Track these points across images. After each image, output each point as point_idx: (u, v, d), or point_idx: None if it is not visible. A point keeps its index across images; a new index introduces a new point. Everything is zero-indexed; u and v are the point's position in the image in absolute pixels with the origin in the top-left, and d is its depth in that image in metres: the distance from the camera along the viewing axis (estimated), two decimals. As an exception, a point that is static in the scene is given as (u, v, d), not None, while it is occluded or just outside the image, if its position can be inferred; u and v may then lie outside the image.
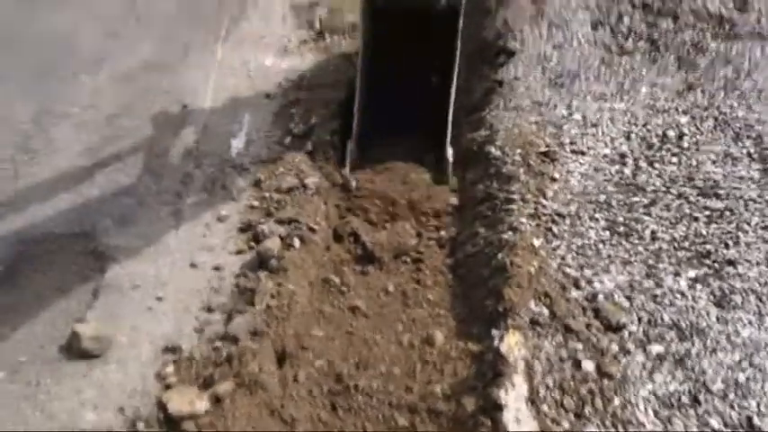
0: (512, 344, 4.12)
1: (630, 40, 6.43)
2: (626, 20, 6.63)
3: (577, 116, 5.73)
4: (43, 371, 4.37)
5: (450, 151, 5.63)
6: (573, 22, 6.66)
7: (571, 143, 5.50)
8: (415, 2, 5.47)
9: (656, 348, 4.14)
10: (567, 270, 4.61)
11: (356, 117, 5.80)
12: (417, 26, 5.60)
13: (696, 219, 4.90)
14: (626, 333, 4.23)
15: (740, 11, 6.63)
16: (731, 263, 4.60)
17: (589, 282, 4.53)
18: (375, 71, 5.85)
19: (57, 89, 6.51)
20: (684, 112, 5.72)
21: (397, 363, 4.39)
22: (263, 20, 7.41)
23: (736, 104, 5.75)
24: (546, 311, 4.35)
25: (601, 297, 4.41)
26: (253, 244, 5.12)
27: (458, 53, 5.58)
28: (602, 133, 5.57)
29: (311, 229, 5.15)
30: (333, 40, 7.14)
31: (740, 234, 4.79)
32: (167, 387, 4.24)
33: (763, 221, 4.88)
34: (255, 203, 5.43)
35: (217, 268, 4.99)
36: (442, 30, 5.54)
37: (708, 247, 4.71)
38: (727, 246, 4.72)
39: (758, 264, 4.60)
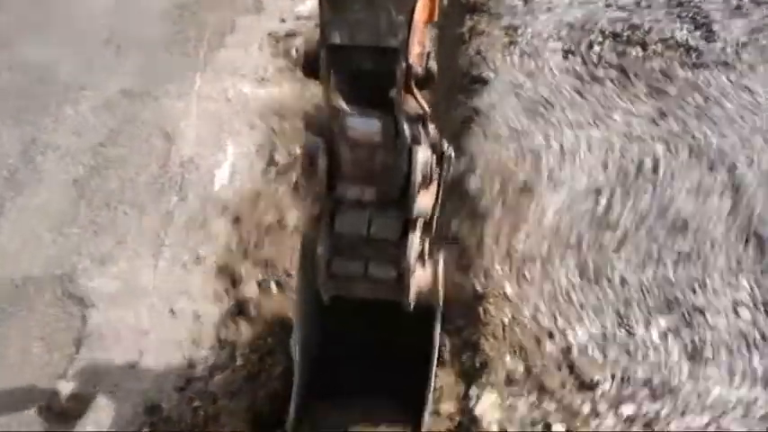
0: (487, 406, 4.20)
1: (601, 68, 6.54)
2: (596, 48, 6.70)
3: (555, 145, 5.80)
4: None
5: (427, 418, 4.23)
6: (544, 50, 6.71)
7: (549, 174, 5.58)
8: (374, 295, 3.80)
9: (628, 410, 4.26)
10: (541, 319, 4.70)
11: (295, 397, 4.18)
12: (380, 325, 4.03)
13: (664, 264, 5.01)
14: (599, 392, 4.32)
15: (706, 40, 6.72)
16: (699, 311, 4.73)
17: (563, 333, 4.62)
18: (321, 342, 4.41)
19: (41, 121, 6.57)
20: (660, 139, 5.81)
21: (372, 421, 4.26)
22: (241, 49, 7.44)
23: (709, 132, 5.84)
24: (521, 368, 4.45)
25: (575, 351, 4.51)
26: (230, 288, 5.19)
27: (436, 351, 4.11)
28: (580, 163, 5.66)
29: (288, 274, 5.20)
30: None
31: (707, 278, 4.90)
32: None
33: (728, 263, 4.99)
34: (234, 243, 5.50)
35: (196, 316, 5.06)
36: (413, 329, 3.95)
37: (676, 293, 4.83)
38: (694, 292, 4.83)
39: (726, 314, 4.71)
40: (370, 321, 4.01)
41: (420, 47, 3.30)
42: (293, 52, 7.38)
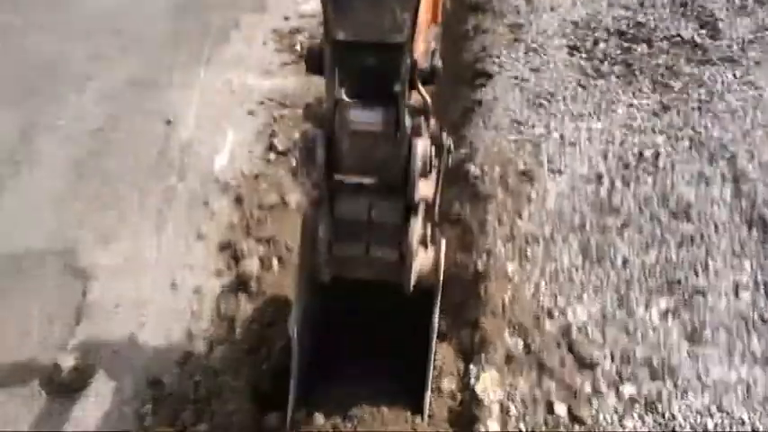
0: (487, 383, 4.16)
1: (606, 63, 6.52)
2: (601, 45, 6.70)
3: (555, 135, 5.81)
4: (22, 410, 4.44)
5: (428, 399, 4.04)
6: (549, 47, 6.73)
7: (549, 162, 5.58)
8: (375, 276, 3.69)
9: (629, 390, 4.24)
10: (541, 299, 4.69)
11: (294, 379, 3.94)
12: (379, 305, 3.88)
13: (667, 244, 5.00)
14: (599, 371, 4.31)
15: (712, 38, 6.73)
16: (700, 292, 4.71)
17: (563, 312, 4.61)
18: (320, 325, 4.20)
19: (43, 106, 6.60)
20: (661, 132, 5.81)
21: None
22: (246, 44, 7.48)
23: (710, 125, 5.84)
24: (521, 345, 4.42)
25: (574, 330, 4.50)
26: (232, 263, 5.21)
27: (435, 333, 3.91)
28: (580, 152, 5.66)
29: (290, 249, 5.21)
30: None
31: (709, 260, 4.89)
32: (145, 429, 4.31)
33: (731, 246, 4.98)
34: (235, 221, 5.52)
35: (197, 291, 5.08)
36: (413, 309, 3.81)
37: (678, 274, 4.81)
38: (696, 273, 4.81)
39: (726, 294, 4.70)
40: (369, 302, 3.85)
41: (425, 44, 3.33)
42: (298, 47, 7.37)
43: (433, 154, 3.40)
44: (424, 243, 3.70)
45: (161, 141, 6.24)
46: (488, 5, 7.30)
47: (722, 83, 6.25)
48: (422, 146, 3.27)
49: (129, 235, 5.46)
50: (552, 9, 7.17)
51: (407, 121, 3.22)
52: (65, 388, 4.49)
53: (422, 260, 3.67)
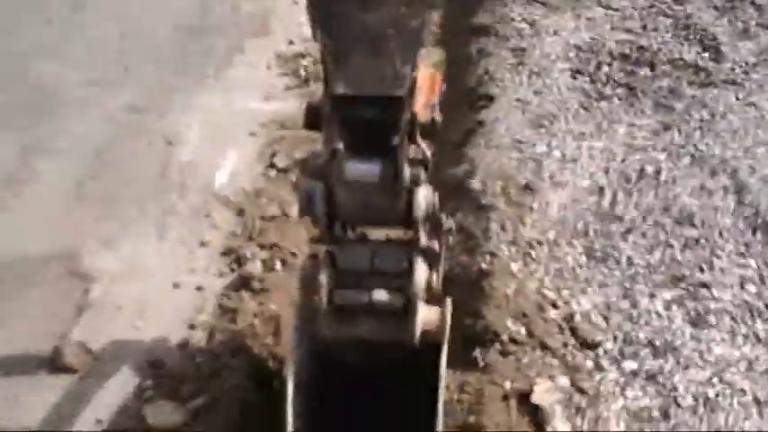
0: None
1: (609, 86, 6.53)
2: (605, 68, 6.73)
3: (557, 153, 5.81)
4: (22, 386, 4.46)
5: None
6: (552, 70, 6.76)
7: (551, 177, 5.58)
8: (378, 334, 3.46)
9: (630, 365, 4.28)
10: (545, 292, 4.70)
11: None
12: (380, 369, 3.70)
13: (672, 246, 5.01)
14: (601, 350, 4.36)
15: (715, 61, 6.77)
16: (706, 285, 4.73)
17: (566, 303, 4.63)
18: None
19: (43, 129, 6.59)
20: (662, 150, 5.82)
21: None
22: (249, 68, 7.49)
23: (712, 143, 5.85)
24: (523, 331, 4.44)
25: (578, 317, 4.53)
26: (235, 266, 5.22)
27: (442, 391, 3.55)
28: (582, 168, 5.66)
29: (293, 254, 5.23)
30: (318, 87, 7.16)
31: (714, 259, 4.90)
32: (146, 401, 4.32)
33: (736, 247, 4.99)
34: (238, 230, 5.52)
35: (199, 288, 5.09)
36: (415, 368, 3.56)
37: (683, 271, 4.83)
38: (702, 270, 4.83)
39: (732, 287, 4.72)
40: (370, 368, 3.64)
41: (425, 97, 3.31)
42: (301, 71, 7.39)
43: (437, 205, 3.33)
44: (429, 295, 3.48)
45: (162, 161, 6.24)
46: (492, 29, 7.33)
47: (724, 104, 6.28)
48: (423, 194, 3.21)
49: (131, 243, 5.48)
50: (555, 33, 7.20)
51: (406, 171, 3.15)
52: (66, 369, 4.53)
53: (427, 314, 3.45)
